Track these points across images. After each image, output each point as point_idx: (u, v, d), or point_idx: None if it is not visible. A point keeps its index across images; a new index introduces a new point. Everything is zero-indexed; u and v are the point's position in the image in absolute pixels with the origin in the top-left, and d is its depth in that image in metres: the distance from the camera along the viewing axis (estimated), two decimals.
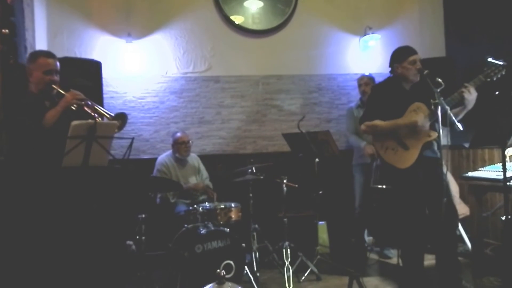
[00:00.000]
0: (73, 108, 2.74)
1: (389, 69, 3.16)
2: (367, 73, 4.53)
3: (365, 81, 4.38)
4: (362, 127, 3.15)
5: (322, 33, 5.07)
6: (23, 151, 2.68)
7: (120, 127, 2.80)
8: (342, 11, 5.12)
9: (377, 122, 3.04)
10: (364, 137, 4.28)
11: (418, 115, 2.95)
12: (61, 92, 2.78)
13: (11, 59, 3.41)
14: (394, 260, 3.93)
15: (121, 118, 2.80)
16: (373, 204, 3.95)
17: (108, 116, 2.78)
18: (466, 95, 2.84)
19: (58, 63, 2.86)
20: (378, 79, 4.86)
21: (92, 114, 2.78)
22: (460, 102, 2.88)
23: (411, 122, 2.95)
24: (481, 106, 3.05)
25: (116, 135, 2.81)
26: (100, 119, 2.74)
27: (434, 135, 2.96)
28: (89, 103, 2.82)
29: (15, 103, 2.84)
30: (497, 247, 3.75)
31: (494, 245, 3.79)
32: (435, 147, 3.04)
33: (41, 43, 4.21)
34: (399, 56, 3.06)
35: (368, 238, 4.46)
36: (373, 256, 4.23)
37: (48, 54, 2.86)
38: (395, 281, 3.43)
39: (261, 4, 4.93)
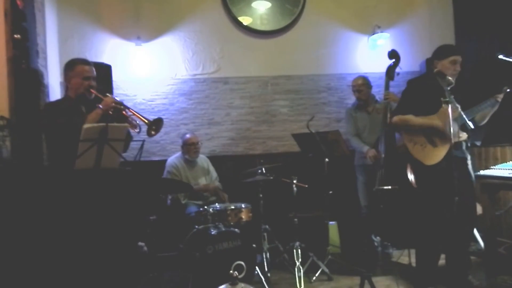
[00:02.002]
0: (111, 112, 2.84)
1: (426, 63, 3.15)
2: (374, 72, 4.52)
3: (363, 82, 4.36)
4: (395, 119, 3.12)
5: (331, 32, 5.06)
6: (64, 154, 2.72)
7: (156, 131, 2.93)
8: (350, 10, 5.10)
9: (411, 117, 3.02)
10: (363, 138, 4.25)
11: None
12: (99, 96, 2.90)
13: (23, 64, 3.46)
14: (405, 260, 3.90)
15: (158, 123, 2.92)
16: (380, 205, 3.91)
17: (146, 121, 2.89)
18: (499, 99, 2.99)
19: (94, 70, 2.98)
20: None
21: (130, 118, 2.91)
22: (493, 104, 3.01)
23: (441, 127, 2.92)
24: None
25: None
26: (137, 122, 2.90)
27: (464, 136, 2.94)
28: (128, 107, 2.95)
29: (53, 106, 2.97)
30: (510, 245, 3.71)
31: (507, 244, 3.74)
32: (463, 147, 3.02)
33: (52, 48, 4.26)
34: (441, 53, 3.03)
35: (377, 238, 4.43)
36: (385, 256, 4.20)
37: (85, 62, 2.99)
38: (406, 280, 3.40)
39: (269, 4, 4.93)
